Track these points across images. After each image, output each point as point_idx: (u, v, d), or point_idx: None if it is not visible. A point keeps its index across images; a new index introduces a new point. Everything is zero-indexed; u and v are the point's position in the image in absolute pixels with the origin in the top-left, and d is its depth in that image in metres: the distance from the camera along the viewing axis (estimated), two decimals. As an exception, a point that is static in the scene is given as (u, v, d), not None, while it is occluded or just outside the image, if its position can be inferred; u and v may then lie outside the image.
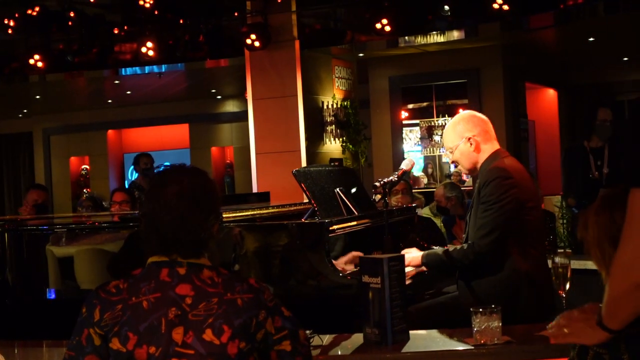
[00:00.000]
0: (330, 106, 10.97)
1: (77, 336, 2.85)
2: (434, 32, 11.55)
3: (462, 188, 8.96)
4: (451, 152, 4.78)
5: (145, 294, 2.84)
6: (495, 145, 4.74)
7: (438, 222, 7.92)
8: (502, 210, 4.41)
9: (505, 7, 9.51)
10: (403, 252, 4.78)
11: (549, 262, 3.87)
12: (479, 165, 4.71)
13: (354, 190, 5.43)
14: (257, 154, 10.52)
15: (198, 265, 2.90)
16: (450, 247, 4.66)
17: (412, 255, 4.77)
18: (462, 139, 4.70)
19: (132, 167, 20.28)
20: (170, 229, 2.89)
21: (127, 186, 19.11)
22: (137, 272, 2.92)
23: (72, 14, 10.95)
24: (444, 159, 14.38)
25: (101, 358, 2.83)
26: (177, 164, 3.07)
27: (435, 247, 5.12)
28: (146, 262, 2.95)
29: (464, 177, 13.44)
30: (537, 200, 4.60)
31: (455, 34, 12.04)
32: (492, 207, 4.43)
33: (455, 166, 4.99)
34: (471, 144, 4.69)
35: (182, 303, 2.82)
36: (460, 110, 13.84)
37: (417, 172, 14.62)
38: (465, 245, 4.51)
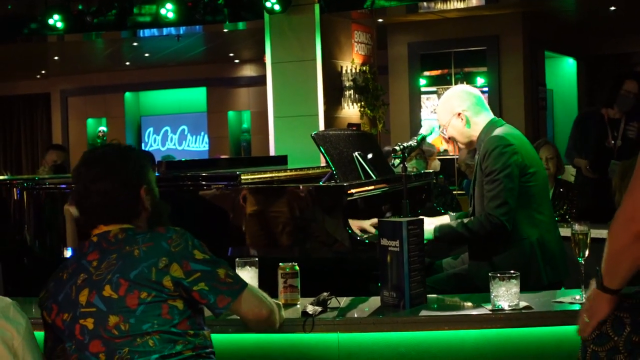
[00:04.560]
0: (349, 71, 10.92)
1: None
2: (454, -1, 11.49)
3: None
4: (445, 129, 4.76)
5: (67, 268, 2.99)
6: (490, 116, 4.69)
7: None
8: (509, 177, 4.37)
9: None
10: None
11: (569, 230, 3.85)
12: (475, 139, 4.69)
13: (372, 154, 5.42)
14: (275, 117, 10.51)
15: (110, 230, 3.01)
16: (465, 220, 4.61)
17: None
18: (453, 115, 4.68)
19: (149, 129, 20.41)
20: (84, 197, 3.02)
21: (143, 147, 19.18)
22: None
23: (91, -25, 10.95)
24: (446, 137, 14.21)
25: (53, 332, 3.01)
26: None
27: (449, 214, 5.08)
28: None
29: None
30: (538, 165, 4.57)
31: (475, 1, 11.95)
32: (499, 176, 4.37)
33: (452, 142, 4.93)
34: (462, 119, 4.64)
35: (90, 267, 2.92)
36: (478, 79, 13.85)
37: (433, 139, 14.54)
38: (481, 216, 4.48)
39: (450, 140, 4.87)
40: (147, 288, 2.83)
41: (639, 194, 2.35)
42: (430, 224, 4.52)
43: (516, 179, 4.39)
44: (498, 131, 4.54)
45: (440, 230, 4.53)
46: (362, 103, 11.11)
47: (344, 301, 3.96)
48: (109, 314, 2.82)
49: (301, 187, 4.93)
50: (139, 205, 3.06)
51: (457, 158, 13.22)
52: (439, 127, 4.84)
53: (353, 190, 4.80)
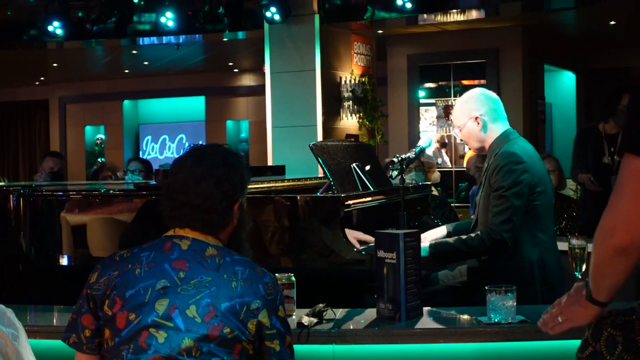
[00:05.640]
0: (348, 82, 10.93)
1: (79, 299, 2.87)
2: (454, 11, 11.47)
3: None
4: (460, 130, 4.73)
5: (142, 263, 2.82)
6: (505, 125, 4.65)
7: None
8: (517, 195, 4.34)
9: (527, -13, 9.47)
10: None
11: (566, 245, 3.84)
12: (487, 145, 4.65)
13: (370, 166, 5.41)
14: (273, 127, 10.51)
15: (203, 242, 2.87)
16: (464, 236, 4.57)
17: None
18: (470, 118, 4.64)
19: (147, 137, 20.41)
20: (181, 192, 2.87)
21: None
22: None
23: (92, -18, 10.97)
24: (458, 140, 14.26)
25: (96, 319, 2.83)
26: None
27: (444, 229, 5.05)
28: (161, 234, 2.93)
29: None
30: (546, 184, 4.54)
31: (475, 14, 11.95)
32: (507, 193, 4.35)
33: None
34: (478, 123, 4.60)
35: (175, 276, 2.78)
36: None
37: (431, 152, 14.51)
38: (480, 232, 4.45)
39: (463, 141, 4.84)
40: (232, 325, 2.72)
41: (618, 209, 2.33)
42: (425, 240, 4.48)
43: (524, 197, 4.36)
44: (511, 146, 4.50)
45: (435, 247, 4.49)
46: (361, 114, 11.11)
47: (339, 313, 3.95)
48: (185, 336, 2.70)
49: (298, 197, 4.92)
50: (229, 218, 2.93)
51: (455, 170, 13.27)
52: (453, 129, 4.82)
53: (350, 202, 4.79)
